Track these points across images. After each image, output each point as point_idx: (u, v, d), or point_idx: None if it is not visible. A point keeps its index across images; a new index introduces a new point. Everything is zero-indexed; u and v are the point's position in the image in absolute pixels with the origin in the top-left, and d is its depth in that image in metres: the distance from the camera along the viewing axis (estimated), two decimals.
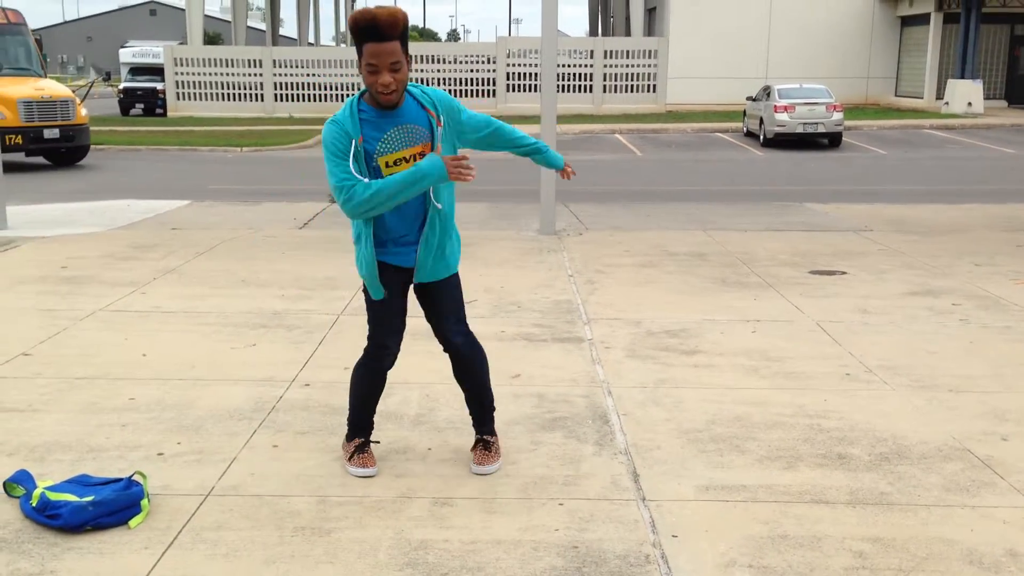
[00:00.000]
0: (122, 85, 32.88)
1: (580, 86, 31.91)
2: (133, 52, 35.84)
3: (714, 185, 15.52)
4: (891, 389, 4.88)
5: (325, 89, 31.69)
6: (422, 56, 32.43)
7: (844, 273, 7.70)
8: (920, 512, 3.49)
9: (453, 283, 3.75)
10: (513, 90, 31.98)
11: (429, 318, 3.81)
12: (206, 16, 36.11)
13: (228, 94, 31.67)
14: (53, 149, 17.35)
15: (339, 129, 3.40)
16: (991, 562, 3.13)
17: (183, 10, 33.50)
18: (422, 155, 3.47)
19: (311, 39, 48.18)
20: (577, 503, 3.55)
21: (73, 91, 18.80)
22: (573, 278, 7.50)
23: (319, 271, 7.56)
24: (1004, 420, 4.43)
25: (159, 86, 32.17)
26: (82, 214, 10.80)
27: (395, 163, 3.46)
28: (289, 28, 53.80)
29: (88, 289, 6.96)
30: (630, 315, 6.32)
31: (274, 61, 31.67)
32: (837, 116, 22.04)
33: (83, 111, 17.72)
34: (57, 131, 16.92)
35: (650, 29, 36.10)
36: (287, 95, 31.65)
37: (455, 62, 32.99)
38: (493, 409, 3.98)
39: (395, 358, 3.84)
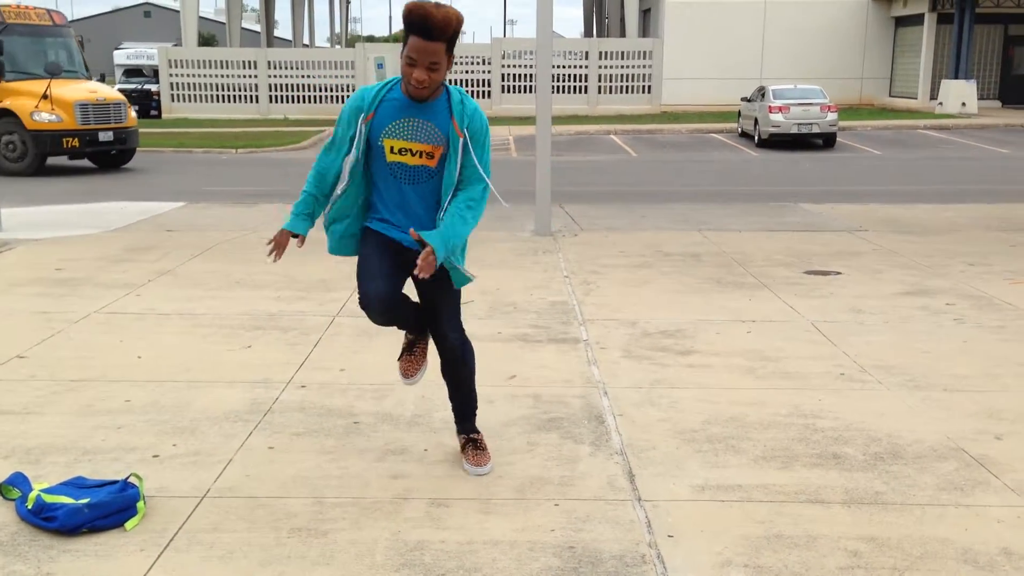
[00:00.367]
0: (116, 87, 32.83)
1: (575, 87, 31.94)
2: (127, 54, 35.82)
3: (709, 186, 15.54)
4: (886, 389, 4.89)
5: (320, 91, 31.69)
6: None
7: (839, 273, 7.72)
8: (915, 511, 3.51)
9: (444, 285, 3.70)
10: (508, 91, 32.01)
11: (426, 314, 3.80)
12: (200, 18, 36.08)
13: (223, 96, 31.65)
14: (106, 152, 17.28)
15: (358, 99, 3.50)
16: (986, 561, 3.14)
17: (178, 12, 33.48)
18: (430, 156, 3.47)
19: (306, 40, 48.15)
20: (573, 503, 3.56)
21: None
22: (569, 279, 7.51)
23: (314, 273, 7.56)
24: (998, 419, 4.44)
25: (153, 88, 32.16)
26: (76, 216, 10.78)
27: (400, 151, 3.47)
28: (284, 30, 53.78)
29: (83, 291, 6.95)
30: (626, 316, 6.33)
31: (269, 63, 31.66)
32: (831, 117, 22.09)
33: (133, 113, 17.72)
34: (111, 134, 16.89)
35: (645, 30, 36.13)
36: (282, 96, 31.64)
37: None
38: (476, 407, 4.01)
39: (387, 298, 3.58)
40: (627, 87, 32.11)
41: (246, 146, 22.14)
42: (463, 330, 3.87)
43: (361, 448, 4.08)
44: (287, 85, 31.61)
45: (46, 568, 3.08)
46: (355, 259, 3.70)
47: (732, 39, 33.15)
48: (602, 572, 3.08)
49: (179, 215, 11.04)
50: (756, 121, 22.96)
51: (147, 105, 32.08)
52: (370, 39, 77.59)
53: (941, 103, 29.68)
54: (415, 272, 3.41)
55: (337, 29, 57.82)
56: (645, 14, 36.57)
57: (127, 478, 3.52)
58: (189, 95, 31.58)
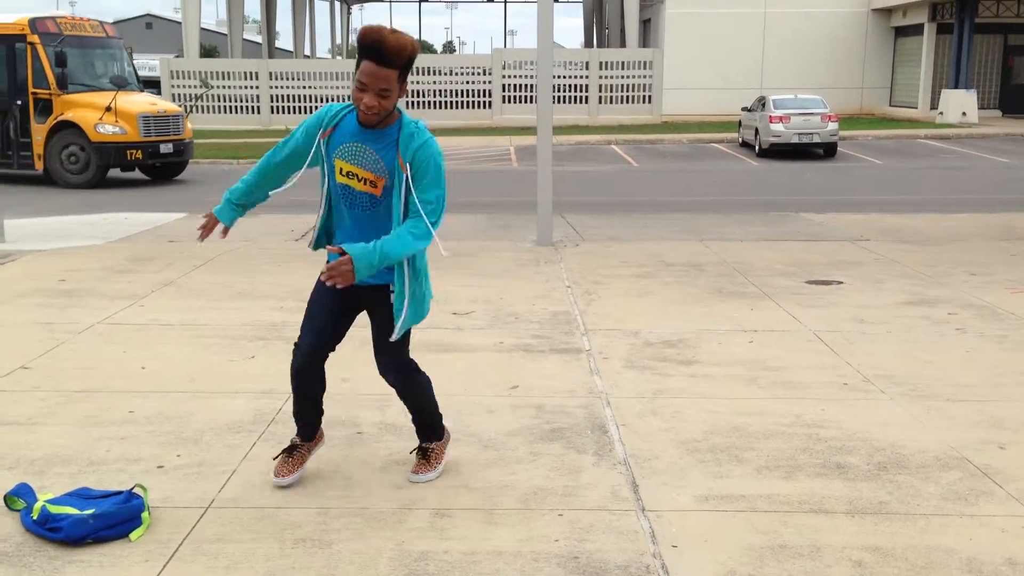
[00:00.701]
0: None
1: (575, 97, 31.98)
2: None
3: (710, 195, 15.56)
4: (889, 398, 4.89)
5: (321, 101, 31.70)
6: (418, 68, 32.48)
7: (841, 283, 7.72)
8: (919, 521, 3.51)
9: (389, 315, 3.56)
10: (509, 101, 32.06)
11: (373, 345, 3.69)
12: (202, 29, 36.19)
13: (224, 107, 31.72)
14: (167, 164, 17.27)
15: (323, 113, 3.52)
16: (990, 571, 3.14)
17: (179, 23, 33.57)
18: (374, 184, 3.40)
19: (307, 52, 48.28)
20: (577, 514, 3.56)
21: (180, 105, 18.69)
22: (571, 289, 7.52)
23: None
24: (1002, 429, 4.44)
25: None
26: (78, 227, 10.80)
27: (348, 175, 3.45)
28: (285, 41, 53.90)
29: (86, 302, 6.96)
30: (628, 326, 6.34)
31: (270, 74, 31.74)
32: (832, 126, 22.12)
33: (189, 125, 17.74)
34: (171, 146, 16.87)
35: (645, 40, 36.21)
36: (283, 107, 31.70)
37: (451, 74, 33.09)
38: (435, 424, 3.93)
39: (310, 363, 3.65)
40: (627, 97, 32.15)
41: (248, 157, 22.16)
42: (407, 368, 3.74)
43: (364, 458, 4.08)
44: (288, 96, 31.67)
45: None
46: None
47: (732, 49, 33.22)
48: None
49: (181, 226, 11.05)
50: (757, 131, 22.99)
51: None
52: None
53: (942, 113, 29.73)
54: (321, 277, 3.36)
55: (338, 40, 57.98)
56: (645, 24, 36.67)
57: (132, 488, 3.52)
58: (191, 106, 31.63)
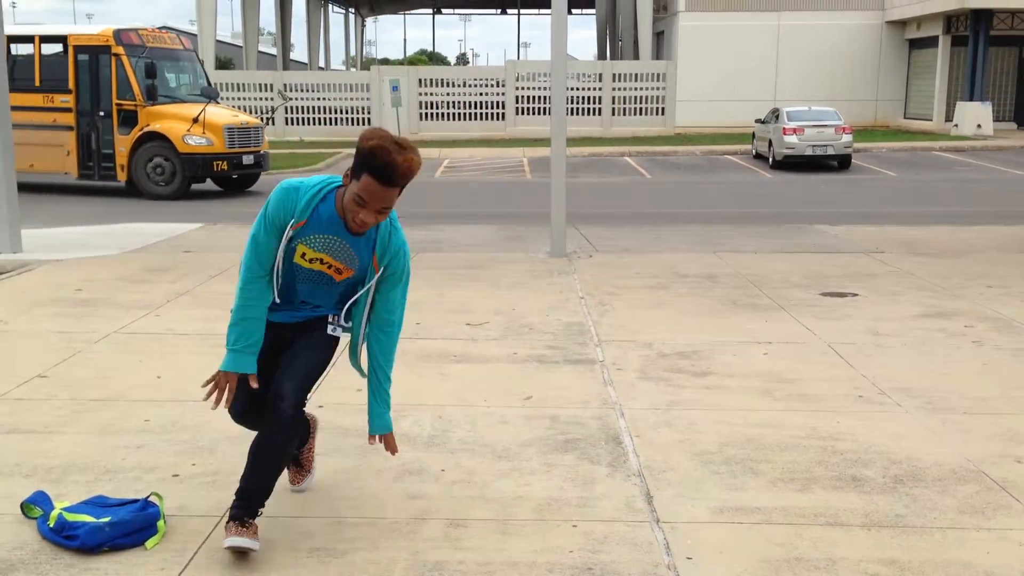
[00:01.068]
0: None
1: (589, 109, 32.04)
2: None
3: (724, 207, 15.54)
4: (904, 411, 4.87)
5: (335, 113, 31.91)
6: (431, 80, 32.64)
7: (856, 295, 7.70)
8: (936, 534, 3.49)
9: (317, 345, 3.40)
10: (522, 113, 32.14)
11: (284, 362, 3.36)
12: (218, 41, 36.47)
13: None
14: (247, 175, 17.42)
15: (290, 202, 3.19)
16: None
17: (195, 35, 33.82)
18: (339, 272, 3.29)
19: (321, 63, 48.56)
20: (591, 525, 3.55)
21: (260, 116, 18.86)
22: (584, 300, 7.51)
23: None
24: (1019, 442, 4.41)
25: None
26: (95, 237, 10.87)
27: (311, 260, 3.26)
28: (299, 53, 54.23)
29: (103, 311, 7.00)
30: (642, 337, 6.33)
31: (285, 85, 31.92)
32: (846, 138, 22.08)
33: (266, 137, 17.88)
34: (252, 157, 17.01)
35: (658, 52, 36.25)
36: (297, 119, 31.88)
37: (464, 85, 33.22)
38: (263, 499, 3.33)
39: (246, 420, 3.48)
40: (641, 109, 32.18)
41: (271, 169, 22.25)
42: (303, 404, 3.41)
43: (378, 468, 4.08)
44: (303, 107, 31.86)
45: None
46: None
47: (746, 61, 33.22)
48: None
49: (197, 236, 11.12)
50: (770, 143, 22.97)
51: None
52: (385, 62, 78.16)
53: (956, 125, 29.63)
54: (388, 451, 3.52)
55: (352, 52, 58.31)
56: (659, 36, 36.73)
57: (148, 497, 3.54)
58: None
